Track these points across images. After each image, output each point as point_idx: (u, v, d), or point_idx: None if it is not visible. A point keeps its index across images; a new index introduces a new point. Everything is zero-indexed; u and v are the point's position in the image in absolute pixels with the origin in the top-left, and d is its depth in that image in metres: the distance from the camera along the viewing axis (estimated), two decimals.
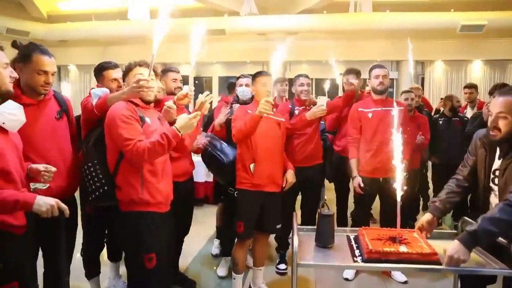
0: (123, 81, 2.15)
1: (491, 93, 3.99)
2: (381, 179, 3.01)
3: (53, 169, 1.76)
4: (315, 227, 1.94)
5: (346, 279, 3.13)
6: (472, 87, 5.03)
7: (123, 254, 2.10)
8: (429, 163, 4.82)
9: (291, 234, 2.45)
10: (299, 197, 3.36)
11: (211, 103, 2.30)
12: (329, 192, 4.14)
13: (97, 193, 1.97)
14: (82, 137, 2.21)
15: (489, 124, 1.79)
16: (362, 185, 3.02)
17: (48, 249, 2.07)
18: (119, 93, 2.04)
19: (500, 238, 1.67)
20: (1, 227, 1.56)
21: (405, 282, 3.06)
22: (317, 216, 1.93)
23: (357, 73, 3.54)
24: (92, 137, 2.08)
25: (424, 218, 2.00)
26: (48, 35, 8.95)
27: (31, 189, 1.75)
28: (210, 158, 2.83)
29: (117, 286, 2.89)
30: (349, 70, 3.53)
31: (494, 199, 1.84)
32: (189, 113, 2.06)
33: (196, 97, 2.28)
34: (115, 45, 9.21)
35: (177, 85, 2.84)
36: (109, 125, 1.91)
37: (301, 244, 1.82)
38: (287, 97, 3.79)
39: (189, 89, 2.36)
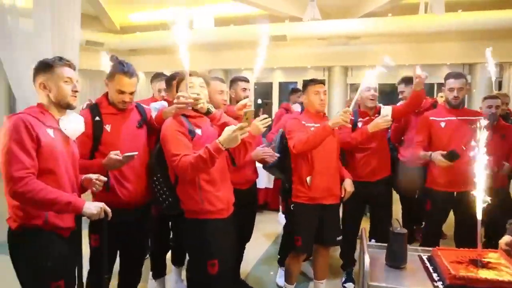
0: (177, 91, 2.13)
1: None
2: (455, 193, 2.78)
3: (104, 179, 1.87)
4: (384, 244, 1.85)
5: None
6: None
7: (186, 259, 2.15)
8: None
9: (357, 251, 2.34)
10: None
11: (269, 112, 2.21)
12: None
13: (164, 205, 2.05)
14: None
15: None
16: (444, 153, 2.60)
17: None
18: (171, 108, 2.08)
19: None
20: (49, 229, 1.67)
21: None
22: (389, 234, 1.82)
23: (408, 81, 3.35)
24: (155, 150, 2.13)
25: (503, 240, 1.82)
26: (120, 45, 9.59)
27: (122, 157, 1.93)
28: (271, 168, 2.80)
29: None
30: (404, 79, 3.35)
31: None
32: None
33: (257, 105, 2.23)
34: (176, 53, 9.60)
35: (246, 94, 2.82)
36: (161, 141, 1.99)
37: (371, 263, 1.74)
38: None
39: (248, 99, 2.34)
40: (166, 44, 9.24)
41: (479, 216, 1.63)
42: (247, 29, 7.65)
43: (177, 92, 2.12)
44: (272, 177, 4.61)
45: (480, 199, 1.61)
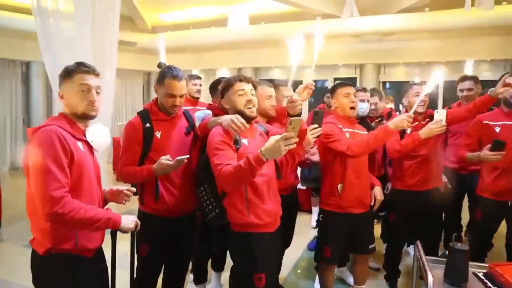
0: (222, 97, 2.06)
1: None
2: (510, 202, 2.63)
3: (134, 189, 1.82)
4: (439, 259, 1.76)
5: None
6: None
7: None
8: None
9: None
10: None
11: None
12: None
13: (210, 216, 2.01)
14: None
15: None
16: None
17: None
18: (216, 118, 2.03)
19: None
20: (76, 252, 1.58)
21: None
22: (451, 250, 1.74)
23: (475, 80, 3.17)
24: (201, 161, 2.08)
25: None
26: (151, 44, 9.70)
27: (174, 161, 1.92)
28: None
29: None
30: (464, 77, 3.18)
31: None
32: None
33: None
34: (209, 51, 9.63)
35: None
36: (207, 152, 1.93)
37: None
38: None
39: (311, 81, 2.20)
40: (194, 42, 9.39)
41: None
42: (279, 26, 7.58)
43: (222, 97, 2.07)
44: None
45: None
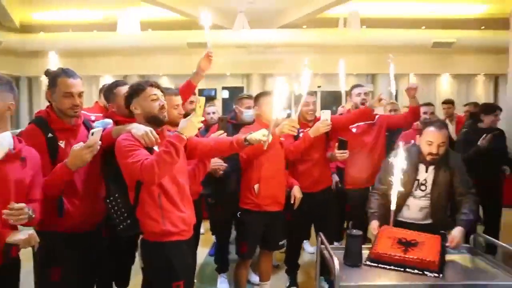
0: (130, 102, 1.97)
1: None
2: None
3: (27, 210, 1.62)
4: (339, 246, 2.03)
5: None
6: (450, 102, 5.31)
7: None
8: None
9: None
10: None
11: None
12: None
13: (121, 226, 1.91)
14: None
15: (430, 150, 2.30)
16: None
17: None
18: (123, 127, 1.97)
19: None
20: None
21: None
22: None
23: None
24: (111, 171, 1.96)
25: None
26: (19, 45, 8.66)
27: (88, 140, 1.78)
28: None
29: None
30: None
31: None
32: None
33: None
34: (91, 57, 8.98)
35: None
36: (117, 157, 1.85)
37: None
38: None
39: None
40: (74, 46, 8.64)
41: None
42: (169, 35, 7.56)
43: (127, 102, 1.98)
44: None
45: None
